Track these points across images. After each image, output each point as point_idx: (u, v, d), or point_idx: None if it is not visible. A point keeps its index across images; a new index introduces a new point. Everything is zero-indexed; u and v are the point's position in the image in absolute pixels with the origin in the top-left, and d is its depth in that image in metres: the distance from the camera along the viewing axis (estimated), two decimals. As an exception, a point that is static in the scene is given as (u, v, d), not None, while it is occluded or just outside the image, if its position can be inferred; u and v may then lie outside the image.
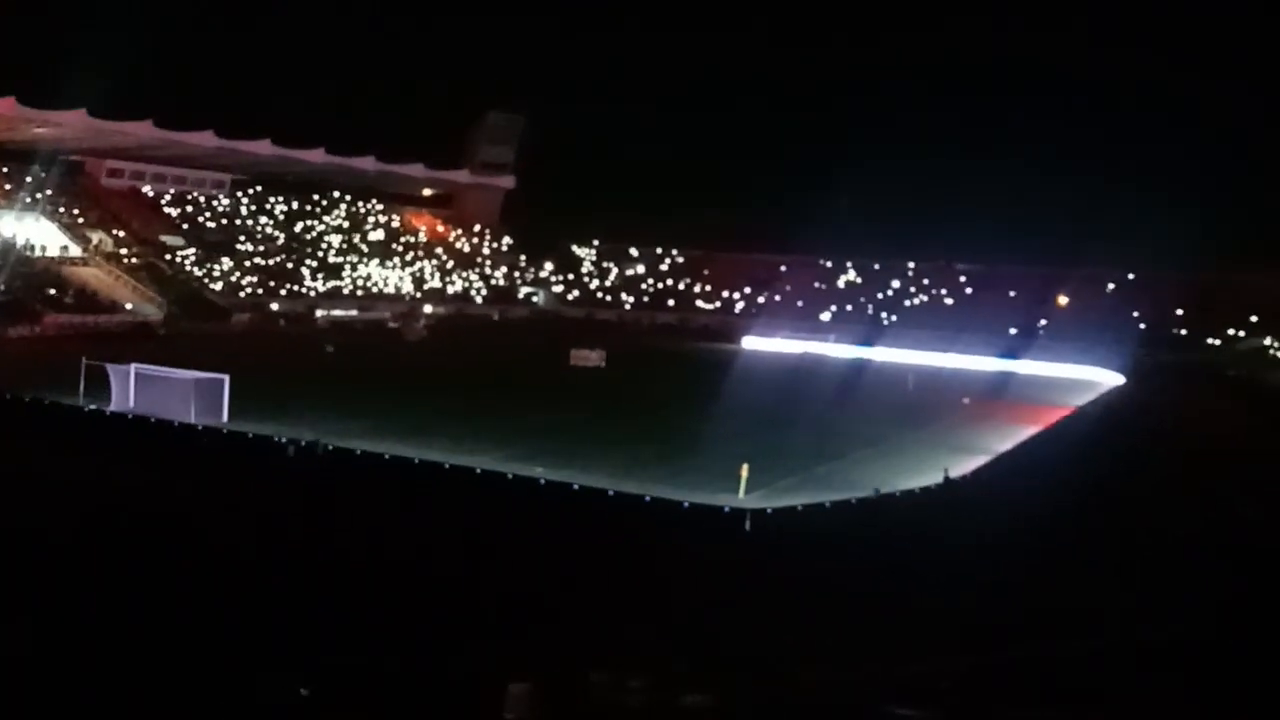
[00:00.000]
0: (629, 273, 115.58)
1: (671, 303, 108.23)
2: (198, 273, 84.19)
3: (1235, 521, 28.88)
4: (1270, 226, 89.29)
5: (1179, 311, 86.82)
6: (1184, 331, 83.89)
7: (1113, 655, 17.64)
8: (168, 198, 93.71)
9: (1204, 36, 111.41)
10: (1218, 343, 79.91)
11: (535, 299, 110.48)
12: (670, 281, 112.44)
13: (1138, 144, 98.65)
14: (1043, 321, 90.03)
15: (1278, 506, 30.17)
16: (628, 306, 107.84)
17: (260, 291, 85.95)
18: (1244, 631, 18.80)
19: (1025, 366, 72.54)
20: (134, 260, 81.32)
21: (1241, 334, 79.37)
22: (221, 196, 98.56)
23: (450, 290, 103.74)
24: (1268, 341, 74.17)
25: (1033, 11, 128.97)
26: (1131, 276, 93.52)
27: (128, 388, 38.63)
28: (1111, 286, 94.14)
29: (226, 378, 37.82)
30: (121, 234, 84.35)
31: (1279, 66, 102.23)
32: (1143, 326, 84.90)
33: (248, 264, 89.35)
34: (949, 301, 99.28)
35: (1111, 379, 68.87)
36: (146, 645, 16.23)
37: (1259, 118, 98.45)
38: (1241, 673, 16.96)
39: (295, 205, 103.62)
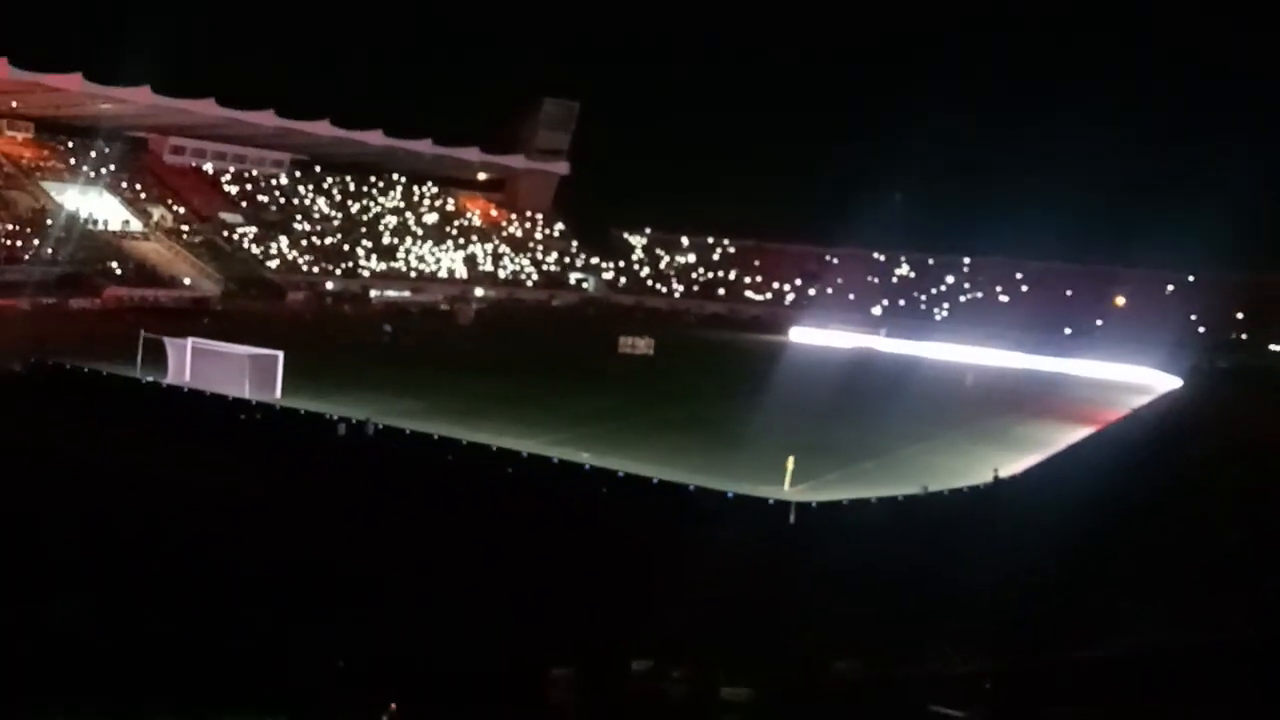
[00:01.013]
0: (679, 261, 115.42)
1: (721, 292, 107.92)
2: (255, 250, 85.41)
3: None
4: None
5: (1239, 315, 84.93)
6: (1244, 336, 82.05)
7: (1155, 658, 17.36)
8: (228, 176, 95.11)
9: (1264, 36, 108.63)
10: (1278, 348, 78.06)
11: (585, 285, 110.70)
12: (720, 272, 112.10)
13: (1200, 144, 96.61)
14: (1099, 321, 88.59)
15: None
16: (678, 295, 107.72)
17: (315, 270, 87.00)
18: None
19: (1081, 367, 71.40)
20: (193, 237, 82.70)
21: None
22: (281, 175, 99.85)
23: (502, 275, 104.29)
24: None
25: (1092, 6, 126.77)
26: (1191, 279, 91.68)
27: (184, 361, 39.29)
28: (1170, 288, 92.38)
29: (281, 354, 38.29)
30: (182, 210, 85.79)
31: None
32: (1201, 330, 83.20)
33: (304, 243, 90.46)
34: (1004, 299, 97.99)
35: (1168, 382, 67.57)
36: (192, 617, 16.56)
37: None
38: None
39: (352, 186, 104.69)
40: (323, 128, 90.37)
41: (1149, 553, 24.89)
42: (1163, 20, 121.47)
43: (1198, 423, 50.69)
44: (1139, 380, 67.68)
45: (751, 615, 18.78)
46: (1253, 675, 16.51)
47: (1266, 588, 22.07)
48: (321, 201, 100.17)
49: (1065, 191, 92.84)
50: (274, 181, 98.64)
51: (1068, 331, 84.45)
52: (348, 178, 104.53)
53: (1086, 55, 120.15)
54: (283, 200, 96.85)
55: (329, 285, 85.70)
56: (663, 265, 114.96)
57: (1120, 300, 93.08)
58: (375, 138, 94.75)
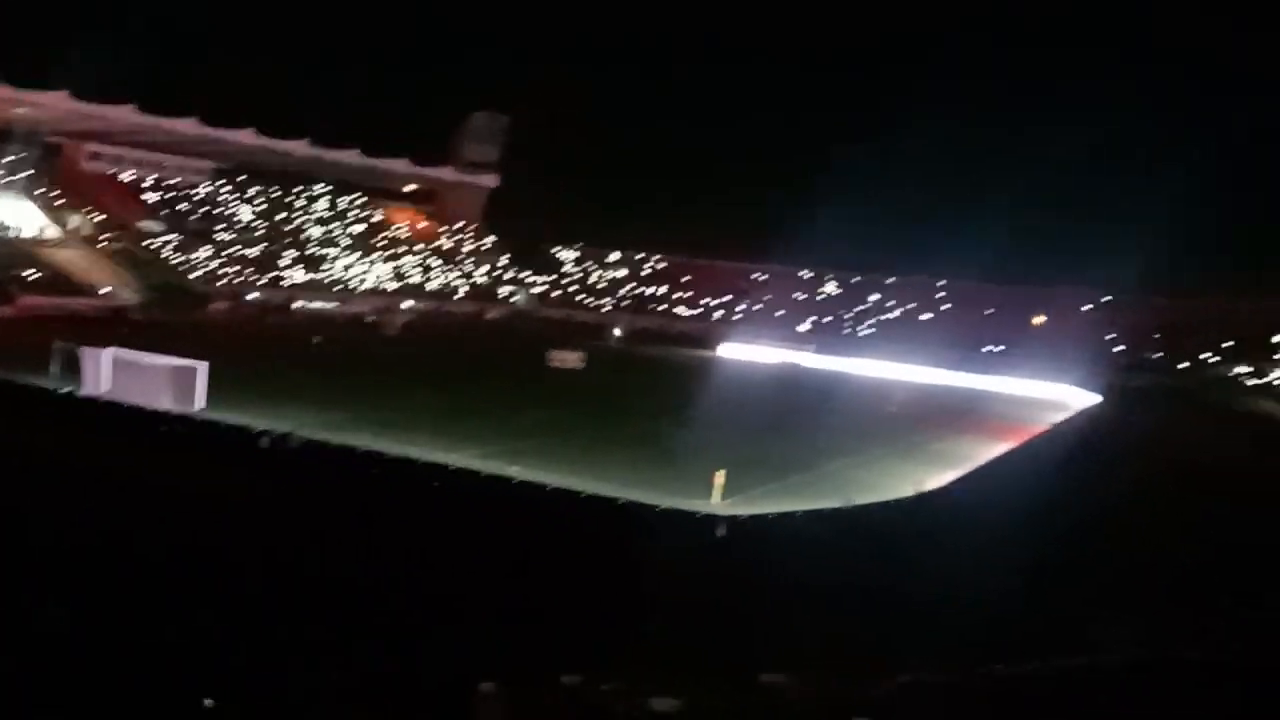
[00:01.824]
0: (609, 276, 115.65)
1: (652, 307, 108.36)
2: (177, 260, 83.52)
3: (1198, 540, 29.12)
4: (1244, 257, 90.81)
5: (1155, 335, 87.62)
6: (1158, 355, 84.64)
7: (1076, 673, 17.74)
8: (149, 183, 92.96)
9: (1186, 70, 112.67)
10: (1192, 366, 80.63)
11: (516, 299, 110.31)
12: (651, 287, 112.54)
13: (1120, 170, 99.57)
14: (1015, 341, 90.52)
15: (1239, 526, 30.47)
16: (608, 309, 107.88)
17: (239, 281, 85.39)
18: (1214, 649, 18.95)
19: (1001, 384, 72.98)
20: (113, 245, 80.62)
21: (1213, 359, 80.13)
22: (203, 184, 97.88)
23: (430, 287, 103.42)
24: (1239, 369, 74.90)
25: (1021, 28, 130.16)
26: (1107, 299, 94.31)
27: (101, 372, 38.26)
28: (1088, 307, 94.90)
29: (203, 365, 37.50)
30: (101, 218, 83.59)
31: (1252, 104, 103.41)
32: (1118, 348, 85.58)
33: (227, 253, 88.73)
34: (926, 316, 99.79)
35: (1085, 399, 69.41)
36: (92, 637, 16.08)
37: (1240, 150, 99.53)
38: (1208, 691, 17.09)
39: (277, 196, 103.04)
40: (247, 136, 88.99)
41: (1068, 566, 25.47)
42: (1082, 40, 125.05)
43: (1113, 438, 52.10)
44: (1057, 397, 69.43)
45: (681, 628, 18.82)
46: (1167, 689, 16.99)
47: (1175, 601, 22.73)
48: (245, 211, 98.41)
49: (987, 211, 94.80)
50: (196, 190, 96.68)
51: (989, 349, 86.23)
52: (273, 187, 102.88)
53: (1009, 77, 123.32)
54: (205, 209, 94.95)
55: (252, 296, 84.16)
56: (593, 280, 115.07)
57: (1039, 319, 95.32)
58: (301, 147, 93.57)
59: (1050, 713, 16.08)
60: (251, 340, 64.42)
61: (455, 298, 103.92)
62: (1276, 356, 72.68)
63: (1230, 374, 75.65)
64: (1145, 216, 78.77)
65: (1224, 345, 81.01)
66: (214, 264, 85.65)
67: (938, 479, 35.72)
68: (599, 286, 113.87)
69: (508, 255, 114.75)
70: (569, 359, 63.82)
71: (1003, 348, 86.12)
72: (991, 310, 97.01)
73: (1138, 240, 78.48)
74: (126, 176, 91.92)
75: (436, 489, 28.96)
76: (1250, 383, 71.34)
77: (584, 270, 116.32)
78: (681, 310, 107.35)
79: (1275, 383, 66.72)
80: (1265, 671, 17.52)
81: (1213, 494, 36.41)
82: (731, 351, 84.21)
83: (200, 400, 36.75)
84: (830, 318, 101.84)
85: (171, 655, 15.56)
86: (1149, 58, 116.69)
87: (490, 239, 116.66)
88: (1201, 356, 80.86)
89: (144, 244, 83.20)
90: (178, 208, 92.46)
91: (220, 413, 35.49)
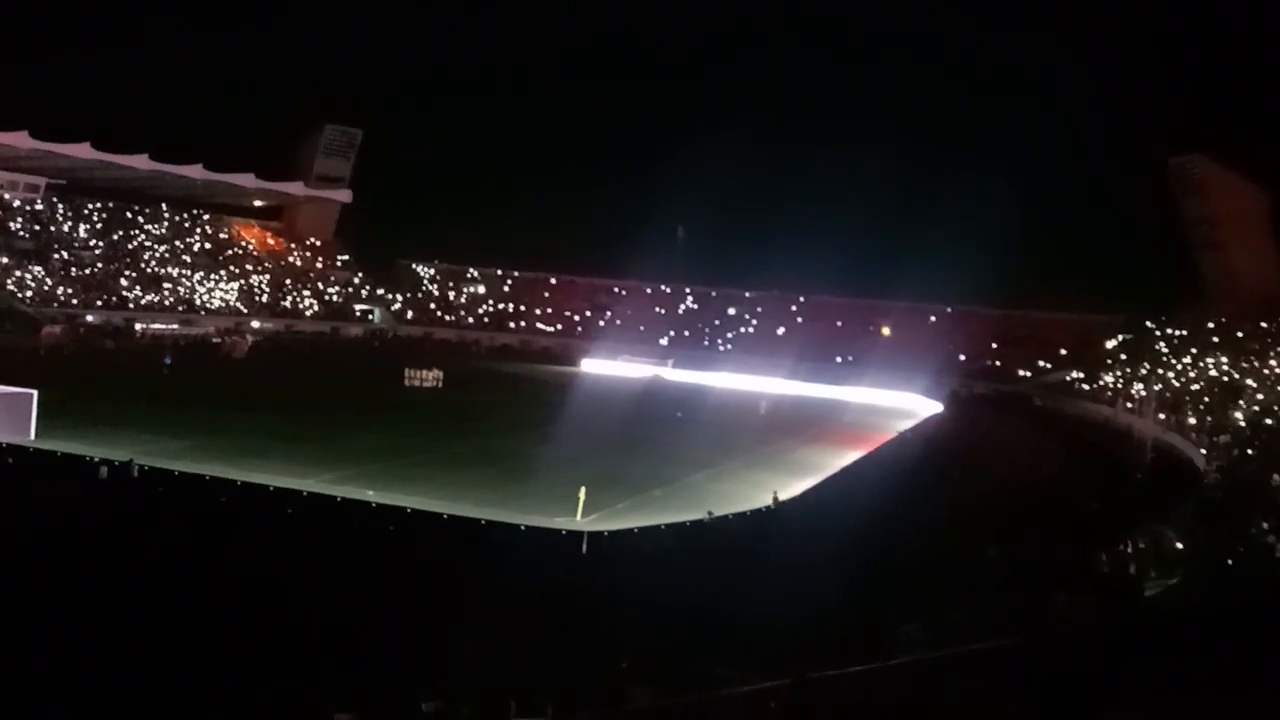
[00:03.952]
0: (469, 292, 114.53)
1: (512, 324, 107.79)
2: (6, 281, 78.86)
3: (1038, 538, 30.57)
4: (1075, 270, 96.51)
5: (994, 345, 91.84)
6: (998, 363, 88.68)
7: (928, 670, 18.35)
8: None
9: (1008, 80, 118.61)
10: (1028, 374, 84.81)
11: (372, 317, 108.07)
12: (511, 303, 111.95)
13: (959, 183, 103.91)
14: (864, 353, 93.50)
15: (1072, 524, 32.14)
16: (468, 326, 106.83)
17: (75, 302, 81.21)
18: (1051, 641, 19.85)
19: (850, 393, 75.20)
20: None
21: (1049, 366, 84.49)
22: (35, 201, 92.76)
23: (280, 306, 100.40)
24: (1074, 374, 79.14)
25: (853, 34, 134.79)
26: (950, 310, 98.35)
27: (-79, 402, 35.86)
28: (933, 319, 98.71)
29: (34, 393, 35.58)
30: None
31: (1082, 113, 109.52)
32: (961, 358, 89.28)
33: (61, 273, 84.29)
34: (780, 330, 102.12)
35: (930, 407, 72.20)
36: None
37: (1077, 162, 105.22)
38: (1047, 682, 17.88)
39: (115, 213, 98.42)
40: (83, 150, 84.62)
41: (917, 569, 26.38)
42: (931, 54, 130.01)
43: (952, 444, 54.29)
44: (903, 405, 72.00)
45: (546, 646, 18.76)
46: (1007, 682, 17.72)
47: (1020, 600, 23.78)
48: (81, 229, 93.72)
49: (838, 226, 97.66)
50: (27, 207, 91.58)
51: (839, 360, 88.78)
52: (111, 203, 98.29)
53: (861, 90, 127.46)
54: (37, 227, 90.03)
55: (90, 318, 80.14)
56: (452, 296, 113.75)
57: (885, 330, 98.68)
58: (141, 162, 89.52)
59: (898, 712, 16.58)
60: (87, 365, 61.29)
61: (307, 316, 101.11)
62: (1109, 362, 77.10)
63: (1064, 379, 79.88)
64: (986, 230, 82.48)
65: (1061, 353, 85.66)
66: (48, 285, 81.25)
67: (794, 487, 36.53)
68: (458, 303, 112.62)
69: (362, 272, 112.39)
70: (427, 377, 62.92)
71: (852, 359, 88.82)
72: (841, 323, 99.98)
73: (978, 254, 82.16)
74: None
75: (290, 515, 28.16)
76: (1083, 387, 75.44)
77: (443, 287, 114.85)
78: (543, 326, 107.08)
79: (1108, 388, 70.80)
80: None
81: (1041, 491, 38.45)
82: (593, 367, 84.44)
83: (32, 429, 34.84)
84: (689, 331, 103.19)
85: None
86: (984, 64, 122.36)
87: (344, 255, 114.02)
88: (1039, 364, 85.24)
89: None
90: (8, 225, 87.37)
91: (54, 442, 33.68)
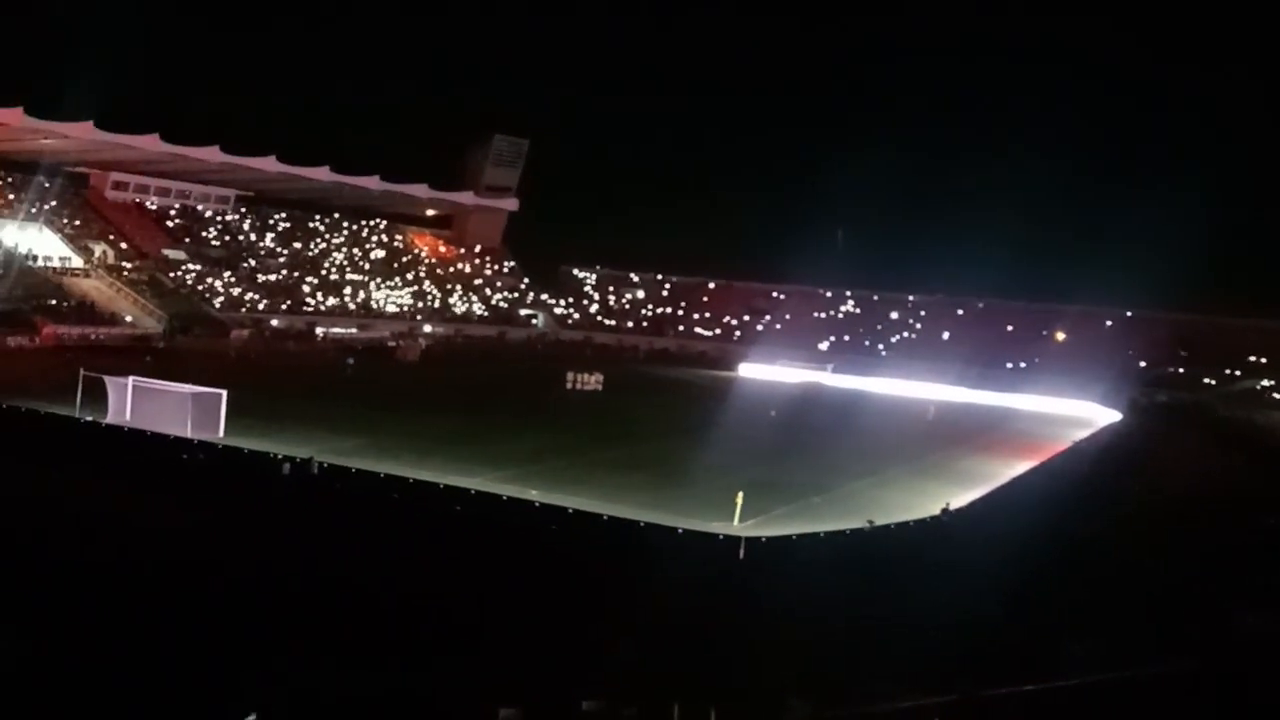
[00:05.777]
0: (629, 297, 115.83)
1: (671, 328, 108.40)
2: (199, 288, 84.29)
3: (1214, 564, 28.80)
4: (1268, 272, 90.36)
5: (1183, 353, 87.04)
6: (1181, 370, 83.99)
7: (1097, 691, 17.56)
8: (171, 212, 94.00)
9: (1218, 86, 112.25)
10: (1213, 382, 79.95)
11: (535, 321, 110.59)
12: (670, 308, 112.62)
13: (1144, 185, 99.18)
14: (1036, 359, 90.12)
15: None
16: (627, 330, 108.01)
17: (261, 307, 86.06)
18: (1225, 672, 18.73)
19: (1022, 401, 72.55)
20: (135, 274, 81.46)
21: (1238, 374, 79.47)
22: (226, 212, 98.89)
23: (450, 311, 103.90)
24: (1265, 383, 74.23)
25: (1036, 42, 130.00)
26: (1130, 314, 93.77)
27: (125, 400, 38.59)
28: (1109, 324, 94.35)
29: (224, 392, 37.78)
30: (124, 247, 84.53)
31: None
32: (1141, 364, 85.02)
33: (249, 280, 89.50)
34: (946, 335, 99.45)
35: (1108, 416, 68.88)
36: (122, 660, 16.22)
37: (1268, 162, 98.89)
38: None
39: (298, 222, 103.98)
40: (269, 164, 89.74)
41: (1093, 586, 25.24)
42: (1106, 58, 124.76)
43: (1134, 457, 51.63)
44: (1079, 414, 68.93)
45: (703, 651, 18.76)
46: (1189, 707, 16.79)
47: (1203, 622, 22.47)
48: (267, 238, 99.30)
49: (1007, 229, 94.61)
50: (218, 218, 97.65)
51: (1010, 366, 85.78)
52: (294, 214, 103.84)
53: (1030, 93, 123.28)
54: (227, 237, 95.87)
55: (274, 322, 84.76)
56: (612, 301, 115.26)
57: (1060, 335, 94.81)
58: (322, 174, 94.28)
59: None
60: (272, 367, 64.79)
61: (475, 321, 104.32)
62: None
63: (1254, 388, 75.00)
64: (1166, 231, 78.44)
65: (1249, 359, 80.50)
66: (236, 291, 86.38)
67: (961, 498, 35.47)
68: (619, 308, 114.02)
69: (527, 278, 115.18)
70: (588, 381, 63.91)
71: (1023, 365, 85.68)
72: (1012, 327, 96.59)
73: (1159, 256, 78.14)
74: (150, 205, 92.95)
75: (458, 513, 29.03)
76: (1275, 396, 70.67)
77: (603, 292, 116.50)
78: (701, 330, 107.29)
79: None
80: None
81: (1221, 504, 36.19)
82: (751, 371, 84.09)
83: (221, 427, 37.02)
84: (849, 336, 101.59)
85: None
86: (1163, 57, 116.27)
87: (510, 262, 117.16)
88: (1226, 371, 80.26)
89: (167, 272, 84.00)
90: (200, 235, 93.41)
91: (241, 439, 35.70)
